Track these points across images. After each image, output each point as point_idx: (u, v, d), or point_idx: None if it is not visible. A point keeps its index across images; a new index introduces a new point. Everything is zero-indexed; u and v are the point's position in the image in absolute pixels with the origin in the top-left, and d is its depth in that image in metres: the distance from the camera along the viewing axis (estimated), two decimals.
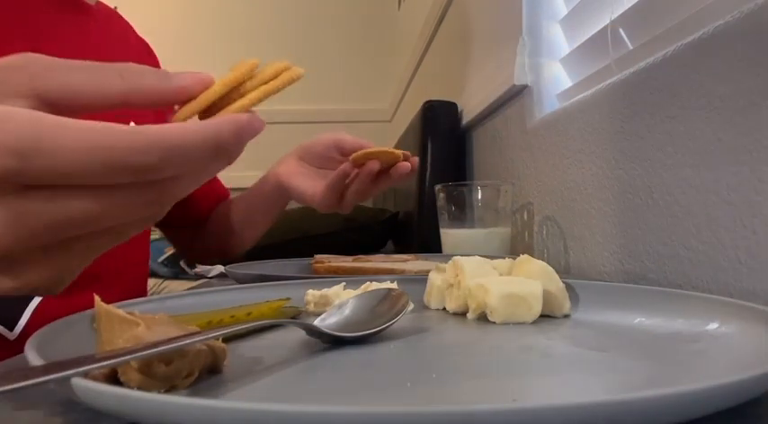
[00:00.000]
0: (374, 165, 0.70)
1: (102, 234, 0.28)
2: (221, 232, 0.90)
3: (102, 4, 0.75)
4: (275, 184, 0.82)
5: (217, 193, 0.94)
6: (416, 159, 0.71)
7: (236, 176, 1.17)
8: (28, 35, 0.62)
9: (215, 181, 0.94)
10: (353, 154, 0.71)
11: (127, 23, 0.81)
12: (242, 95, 0.31)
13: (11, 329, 0.57)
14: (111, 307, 0.27)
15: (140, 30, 0.96)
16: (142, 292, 0.78)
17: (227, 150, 0.28)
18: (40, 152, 0.24)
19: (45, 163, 0.24)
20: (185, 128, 0.26)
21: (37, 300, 0.59)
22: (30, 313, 0.58)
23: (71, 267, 0.29)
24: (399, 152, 0.71)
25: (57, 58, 0.29)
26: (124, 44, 0.80)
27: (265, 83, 0.31)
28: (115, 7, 0.77)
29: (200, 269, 1.25)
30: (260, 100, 0.31)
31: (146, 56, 0.85)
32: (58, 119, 0.25)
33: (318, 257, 0.80)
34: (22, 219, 0.25)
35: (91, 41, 0.71)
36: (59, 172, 0.25)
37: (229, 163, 0.29)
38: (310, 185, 0.77)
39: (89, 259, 0.30)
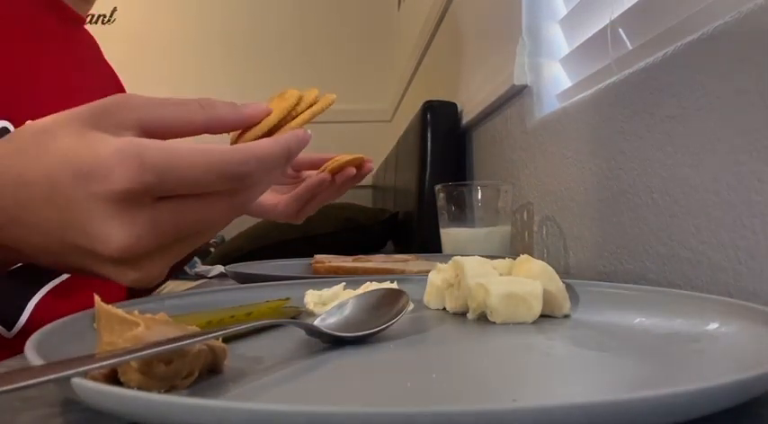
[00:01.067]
0: (350, 171, 0.76)
1: (200, 233, 0.36)
2: None
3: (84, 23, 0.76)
4: None
5: None
6: (370, 166, 0.78)
7: None
8: (30, 37, 0.62)
9: None
10: (329, 165, 0.76)
11: (100, 50, 0.82)
12: (293, 118, 0.42)
13: (9, 328, 0.57)
14: (111, 307, 0.27)
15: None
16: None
17: (293, 158, 0.37)
18: (172, 170, 0.32)
19: (175, 177, 0.32)
20: (268, 142, 0.36)
21: (36, 299, 0.59)
22: (29, 313, 0.58)
23: (170, 262, 0.36)
24: (354, 156, 0.77)
25: (149, 97, 0.36)
26: (102, 61, 0.82)
27: (309, 106, 0.43)
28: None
29: (200, 269, 1.25)
30: (307, 121, 0.42)
31: (113, 77, 0.86)
32: (179, 144, 0.33)
33: (318, 257, 0.80)
34: (158, 224, 0.33)
35: (80, 53, 0.72)
36: (186, 185, 0.33)
37: (283, 173, 0.38)
38: (269, 198, 0.79)
39: (183, 254, 0.37)
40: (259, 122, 0.40)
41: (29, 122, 0.37)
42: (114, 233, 0.32)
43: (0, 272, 0.45)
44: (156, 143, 0.32)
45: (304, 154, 0.81)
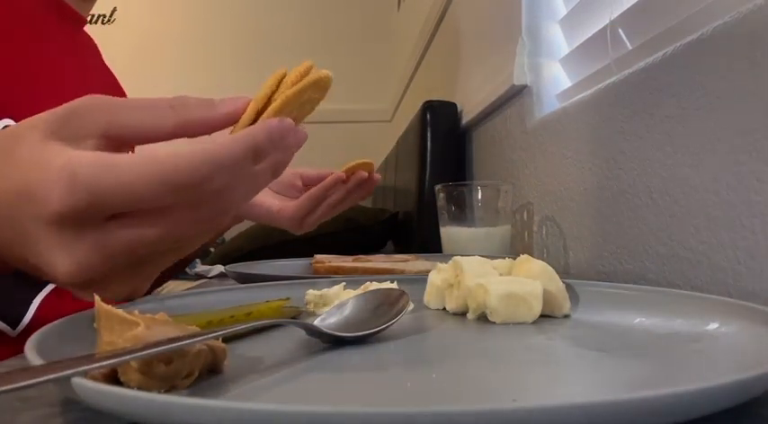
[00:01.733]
0: (362, 174, 0.76)
1: (166, 251, 0.34)
2: None
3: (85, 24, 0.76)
4: None
5: None
6: (378, 177, 0.78)
7: None
8: (30, 37, 0.62)
9: None
10: (346, 166, 0.77)
11: (97, 47, 0.82)
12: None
13: (14, 327, 0.57)
14: (111, 307, 0.27)
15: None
16: None
17: (263, 153, 0.32)
18: (109, 187, 0.29)
19: (115, 194, 0.29)
20: (223, 141, 0.30)
21: (40, 298, 0.59)
22: (33, 311, 0.58)
23: (144, 279, 0.35)
24: (364, 161, 0.77)
25: (117, 99, 0.33)
26: (101, 64, 0.82)
27: (297, 82, 0.35)
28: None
29: (200, 269, 1.25)
30: (285, 103, 0.34)
31: (116, 84, 0.86)
32: (121, 157, 0.30)
33: (318, 257, 0.80)
34: (104, 247, 0.31)
35: (80, 53, 0.72)
36: (130, 201, 0.30)
37: (276, 171, 0.33)
38: (275, 202, 0.78)
39: (157, 271, 0.35)
40: (239, 118, 0.34)
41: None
42: (58, 259, 0.31)
43: None
44: (93, 158, 0.29)
45: (313, 170, 0.81)
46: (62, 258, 0.31)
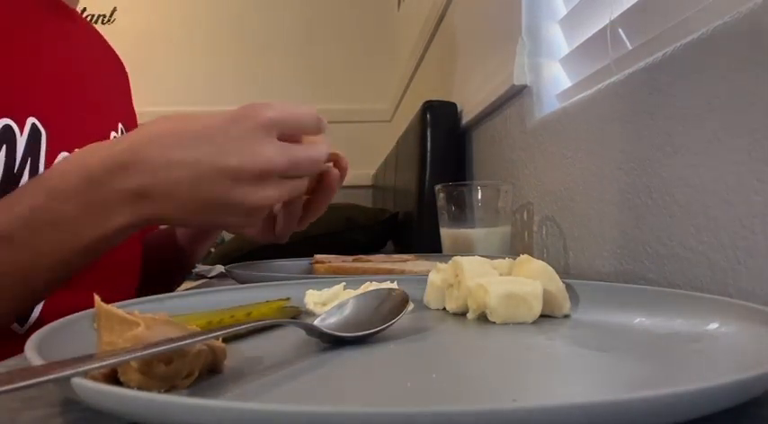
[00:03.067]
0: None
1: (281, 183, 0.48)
2: (153, 263, 0.85)
3: (77, 12, 0.75)
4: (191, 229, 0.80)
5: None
6: (346, 161, 0.62)
7: None
8: (23, 34, 0.62)
9: None
10: None
11: (99, 33, 0.81)
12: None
13: (22, 324, 0.58)
14: (111, 307, 0.27)
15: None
16: (133, 290, 0.77)
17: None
18: (291, 111, 0.49)
19: (292, 117, 0.49)
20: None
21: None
22: (40, 309, 0.58)
23: (280, 198, 0.49)
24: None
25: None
26: (102, 52, 0.81)
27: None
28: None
29: (199, 269, 1.25)
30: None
31: (119, 64, 0.85)
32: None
33: (318, 257, 0.80)
34: (283, 152, 0.48)
35: (73, 44, 0.72)
36: (297, 126, 0.50)
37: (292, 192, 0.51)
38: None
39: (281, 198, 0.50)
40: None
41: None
42: (266, 149, 0.46)
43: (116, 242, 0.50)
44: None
45: None
46: (269, 149, 0.46)
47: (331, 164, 0.60)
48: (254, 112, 0.47)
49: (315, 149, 0.50)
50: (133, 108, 0.85)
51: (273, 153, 0.47)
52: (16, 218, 0.46)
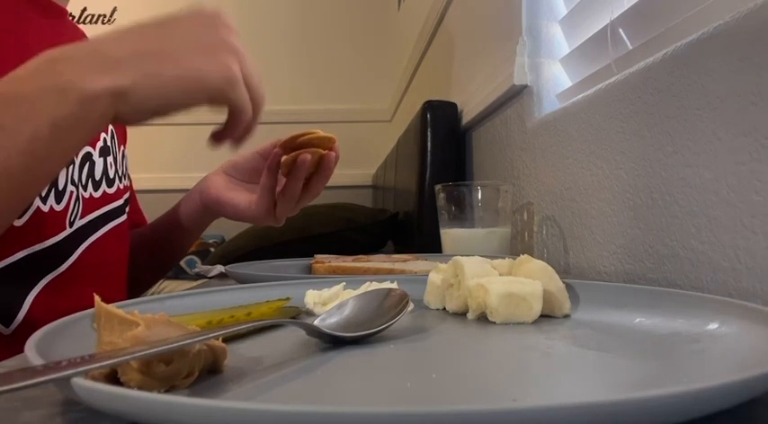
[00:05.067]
0: (306, 156, 0.65)
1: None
2: (140, 260, 0.85)
3: (67, 13, 0.75)
4: (202, 203, 0.78)
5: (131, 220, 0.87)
6: (337, 145, 0.65)
7: None
8: (11, 32, 0.62)
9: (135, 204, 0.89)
10: (282, 141, 0.67)
11: (87, 36, 0.81)
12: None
13: (7, 325, 0.57)
14: (111, 307, 0.27)
15: None
16: (123, 289, 0.77)
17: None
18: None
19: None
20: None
21: (33, 294, 0.59)
22: (26, 309, 0.58)
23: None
24: (323, 134, 0.66)
25: None
26: None
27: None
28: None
29: (200, 269, 1.25)
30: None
31: None
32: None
33: (318, 257, 0.80)
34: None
35: (63, 44, 0.71)
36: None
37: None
38: (244, 198, 0.73)
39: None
40: None
41: None
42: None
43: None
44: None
45: (268, 143, 0.73)
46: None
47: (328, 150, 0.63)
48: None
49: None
50: None
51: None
52: None
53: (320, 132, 0.64)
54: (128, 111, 0.45)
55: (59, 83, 0.43)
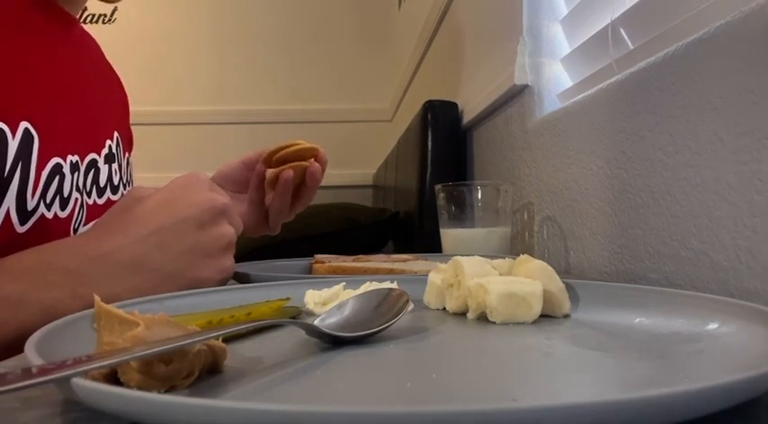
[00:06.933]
0: (288, 173, 0.68)
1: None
2: None
3: (77, 20, 0.75)
4: None
5: None
6: (324, 153, 0.65)
7: None
8: (19, 38, 0.62)
9: None
10: (264, 156, 0.68)
11: (98, 45, 0.81)
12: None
13: None
14: (111, 307, 0.27)
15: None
16: None
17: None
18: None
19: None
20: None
21: None
22: None
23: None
24: (307, 145, 0.67)
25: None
26: (102, 60, 0.81)
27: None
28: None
29: None
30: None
31: (117, 80, 0.85)
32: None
33: (318, 257, 0.79)
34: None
35: (72, 51, 0.71)
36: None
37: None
38: (235, 210, 0.75)
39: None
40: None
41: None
42: (211, 195, 0.52)
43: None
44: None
45: (253, 153, 0.74)
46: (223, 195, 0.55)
47: (312, 160, 0.63)
48: (191, 179, 0.54)
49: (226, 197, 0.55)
50: (129, 126, 0.85)
51: (217, 195, 0.53)
52: None
53: (303, 143, 0.66)
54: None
55: (43, 301, 0.45)
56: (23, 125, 0.57)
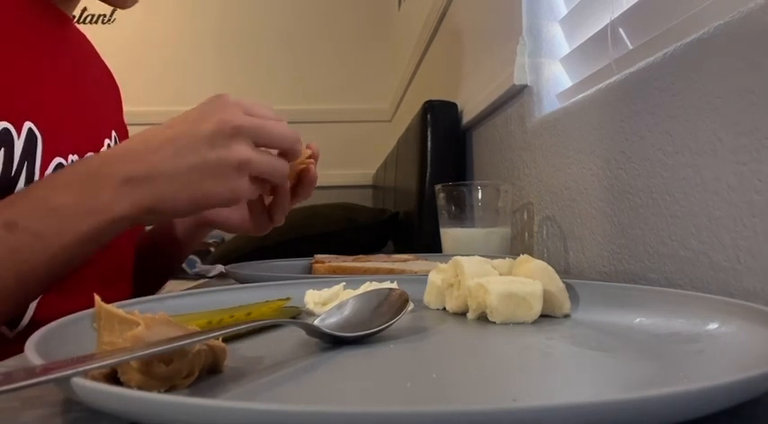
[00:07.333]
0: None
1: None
2: (145, 264, 0.86)
3: (73, 21, 0.75)
4: (190, 219, 0.81)
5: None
6: (316, 147, 0.66)
7: None
8: (18, 38, 0.62)
9: None
10: None
11: (92, 44, 0.82)
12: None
13: (13, 327, 0.57)
14: (111, 307, 0.27)
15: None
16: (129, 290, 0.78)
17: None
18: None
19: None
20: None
21: (39, 298, 0.59)
22: (31, 313, 0.58)
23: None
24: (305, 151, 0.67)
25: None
26: (96, 61, 0.81)
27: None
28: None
29: (200, 269, 1.25)
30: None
31: (111, 77, 0.86)
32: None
33: (318, 257, 0.80)
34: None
35: (70, 52, 0.72)
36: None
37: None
38: (237, 214, 0.75)
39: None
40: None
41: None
42: (230, 113, 0.52)
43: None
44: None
45: None
46: (239, 112, 0.53)
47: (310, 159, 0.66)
48: (221, 98, 0.54)
49: (283, 124, 0.56)
50: (124, 122, 0.85)
51: (238, 115, 0.53)
52: (20, 207, 0.50)
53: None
54: (148, 221, 0.55)
55: (91, 206, 0.50)
56: (27, 125, 0.57)
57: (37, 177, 0.57)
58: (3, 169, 0.54)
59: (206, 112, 0.53)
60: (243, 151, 0.52)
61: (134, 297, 0.78)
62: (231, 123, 0.52)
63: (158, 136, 0.53)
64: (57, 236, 0.49)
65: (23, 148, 0.56)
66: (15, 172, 0.55)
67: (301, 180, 0.65)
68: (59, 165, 0.60)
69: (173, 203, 0.52)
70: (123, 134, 0.82)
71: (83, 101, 0.70)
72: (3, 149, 0.54)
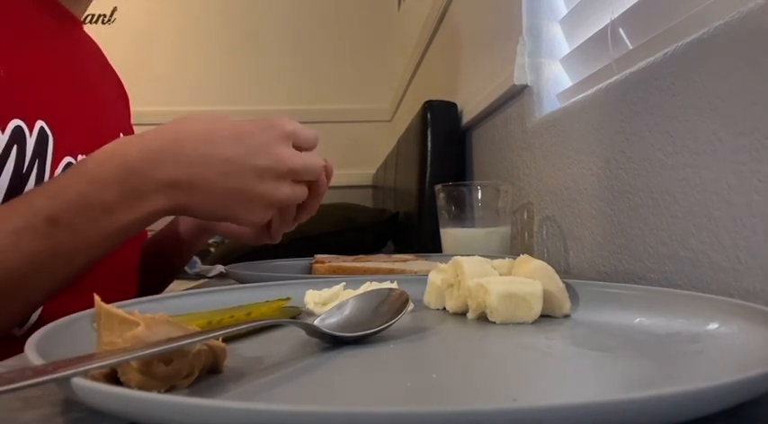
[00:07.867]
0: None
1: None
2: (149, 265, 0.86)
3: (82, 24, 0.76)
4: (195, 224, 0.82)
5: None
6: (331, 167, 0.66)
7: None
8: (28, 39, 0.62)
9: None
10: None
11: (100, 48, 0.82)
12: None
13: (21, 325, 0.58)
14: (111, 307, 0.27)
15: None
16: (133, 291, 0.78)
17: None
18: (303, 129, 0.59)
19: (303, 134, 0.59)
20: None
21: None
22: (39, 312, 0.58)
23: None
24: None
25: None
26: (104, 61, 0.82)
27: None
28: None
29: (200, 269, 1.25)
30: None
31: (119, 82, 0.86)
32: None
33: (318, 257, 0.80)
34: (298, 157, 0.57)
35: (81, 53, 0.72)
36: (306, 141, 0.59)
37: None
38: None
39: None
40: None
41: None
42: (286, 154, 0.55)
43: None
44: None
45: None
46: (289, 153, 0.55)
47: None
48: (278, 123, 0.56)
49: (317, 157, 0.59)
50: (132, 125, 0.86)
51: (293, 156, 0.56)
52: (62, 202, 0.50)
53: None
54: (182, 213, 0.57)
55: (133, 203, 0.51)
56: (39, 123, 0.58)
57: (47, 176, 0.58)
58: (15, 166, 0.55)
59: (266, 142, 0.55)
60: (285, 192, 0.55)
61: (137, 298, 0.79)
62: (286, 166, 0.55)
63: (208, 145, 0.53)
64: (97, 232, 0.50)
65: (35, 146, 0.57)
66: (27, 169, 0.56)
67: (311, 189, 0.64)
68: (69, 164, 0.60)
69: (203, 211, 0.55)
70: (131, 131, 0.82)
71: (93, 102, 0.71)
72: (16, 146, 0.55)
